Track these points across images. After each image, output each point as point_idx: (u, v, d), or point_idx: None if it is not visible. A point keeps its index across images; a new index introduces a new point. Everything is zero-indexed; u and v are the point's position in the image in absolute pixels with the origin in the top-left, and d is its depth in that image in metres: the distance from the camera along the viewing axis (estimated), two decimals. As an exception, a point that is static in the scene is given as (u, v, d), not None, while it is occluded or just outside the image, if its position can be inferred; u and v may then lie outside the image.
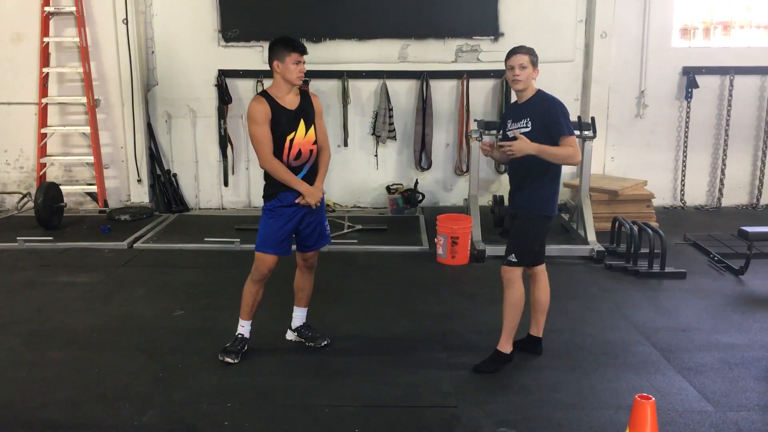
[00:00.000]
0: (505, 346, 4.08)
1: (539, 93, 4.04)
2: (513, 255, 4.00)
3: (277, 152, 3.98)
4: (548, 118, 3.92)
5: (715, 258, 6.11)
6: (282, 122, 3.95)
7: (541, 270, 4.19)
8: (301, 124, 4.01)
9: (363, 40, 7.90)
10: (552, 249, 6.27)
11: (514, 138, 3.96)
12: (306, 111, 4.06)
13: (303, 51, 3.98)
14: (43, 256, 6.35)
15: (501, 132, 4.27)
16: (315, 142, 4.10)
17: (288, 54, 3.92)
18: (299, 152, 4.02)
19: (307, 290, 4.41)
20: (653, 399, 2.73)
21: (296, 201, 4.03)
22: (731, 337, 4.54)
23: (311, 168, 4.12)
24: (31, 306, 5.14)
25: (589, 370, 4.08)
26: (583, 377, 4.00)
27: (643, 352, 4.32)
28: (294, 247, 4.25)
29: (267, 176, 4.10)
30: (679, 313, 4.96)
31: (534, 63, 3.97)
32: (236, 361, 4.14)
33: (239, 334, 4.24)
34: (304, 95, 4.11)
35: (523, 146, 3.85)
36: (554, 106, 3.95)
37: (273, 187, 4.06)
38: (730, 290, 5.45)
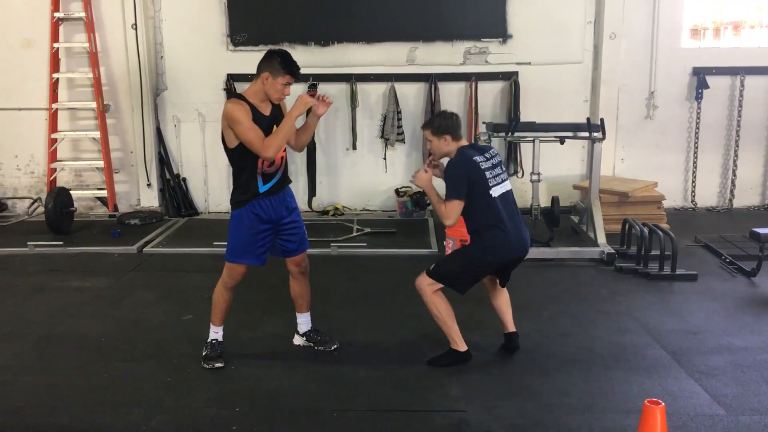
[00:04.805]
0: (458, 344, 4.15)
1: (456, 153, 4.06)
2: (433, 264, 4.14)
3: (253, 161, 3.93)
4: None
5: (727, 260, 6.05)
6: (261, 127, 3.89)
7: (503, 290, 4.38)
8: (274, 131, 3.97)
9: (371, 44, 7.90)
10: (561, 251, 6.28)
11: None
12: (276, 118, 4.02)
13: (297, 77, 3.96)
14: (53, 261, 6.38)
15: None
16: (284, 149, 4.08)
17: (282, 75, 3.89)
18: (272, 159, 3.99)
19: (306, 295, 4.38)
20: (663, 404, 2.70)
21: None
22: (743, 340, 4.50)
23: (283, 174, 4.11)
24: (41, 311, 5.16)
25: (599, 374, 4.05)
26: (594, 381, 3.97)
27: (654, 356, 4.29)
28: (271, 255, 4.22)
29: (237, 181, 4.06)
30: (690, 316, 4.92)
31: (438, 133, 4.04)
32: (224, 364, 4.13)
33: (213, 339, 4.22)
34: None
35: (422, 180, 4.08)
36: (446, 168, 4.07)
37: (246, 193, 4.00)
38: (742, 292, 5.40)
